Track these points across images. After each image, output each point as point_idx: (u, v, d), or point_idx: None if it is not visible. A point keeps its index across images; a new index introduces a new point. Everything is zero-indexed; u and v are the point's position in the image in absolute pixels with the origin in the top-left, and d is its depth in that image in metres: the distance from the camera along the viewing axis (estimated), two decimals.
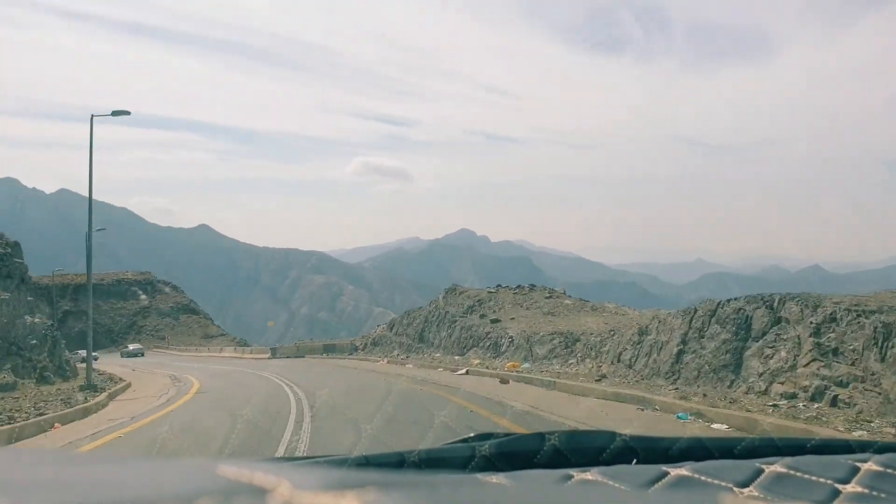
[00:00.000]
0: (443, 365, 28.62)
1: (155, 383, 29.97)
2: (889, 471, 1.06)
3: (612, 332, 22.43)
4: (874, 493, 1.01)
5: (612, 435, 1.30)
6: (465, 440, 1.35)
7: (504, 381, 20.73)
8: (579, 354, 22.82)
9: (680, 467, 1.08)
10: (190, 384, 26.95)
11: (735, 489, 1.03)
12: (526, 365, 24.11)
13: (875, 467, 1.07)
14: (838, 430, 10.36)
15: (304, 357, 49.88)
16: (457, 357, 31.69)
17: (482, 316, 33.65)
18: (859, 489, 1.02)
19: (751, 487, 1.03)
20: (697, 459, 1.17)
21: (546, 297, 34.55)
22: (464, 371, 25.42)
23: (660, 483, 1.05)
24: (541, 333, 26.04)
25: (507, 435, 1.32)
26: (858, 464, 1.08)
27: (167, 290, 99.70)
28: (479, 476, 1.11)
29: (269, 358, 51.30)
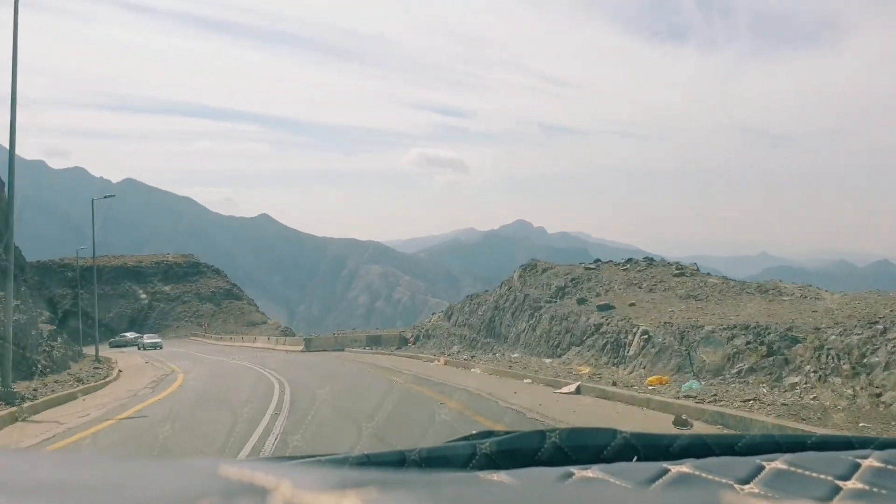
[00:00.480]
0: (529, 372, 18.19)
1: (125, 387, 22.64)
2: (890, 467, 1.04)
3: (878, 328, 11.50)
4: (875, 489, 0.99)
5: (613, 432, 1.26)
6: (466, 438, 1.32)
7: (684, 422, 10.07)
8: (807, 368, 11.94)
9: (681, 464, 1.06)
10: (165, 387, 21.10)
11: (736, 486, 1.01)
12: (692, 385, 13.35)
13: (876, 463, 1.05)
14: None
15: (342, 350, 40.12)
16: (547, 360, 21.11)
17: (581, 301, 22.95)
18: (860, 485, 1.00)
19: (752, 484, 1.02)
20: (698, 456, 1.14)
21: (675, 275, 23.61)
22: (572, 388, 14.88)
23: (661, 480, 1.03)
24: (706, 327, 15.20)
25: (507, 433, 1.29)
26: (859, 460, 1.06)
27: (210, 273, 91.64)
28: (481, 474, 1.09)
29: (301, 351, 41.74)
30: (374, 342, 41.27)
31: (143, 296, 63.50)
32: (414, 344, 38.74)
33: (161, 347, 52.72)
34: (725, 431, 9.84)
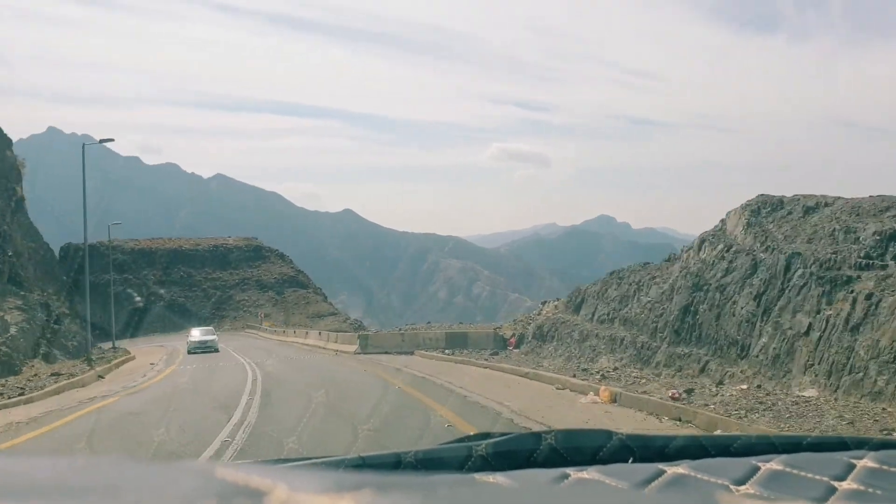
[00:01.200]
0: None
1: None
2: (885, 467, 1.03)
3: None
4: (870, 489, 0.98)
5: (609, 434, 1.25)
6: (461, 440, 1.30)
7: None
8: None
9: (676, 466, 1.06)
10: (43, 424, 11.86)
11: (731, 487, 1.00)
12: None
13: (871, 464, 1.04)
14: None
15: (411, 354, 26.88)
16: None
17: None
18: (855, 486, 0.99)
19: (747, 485, 1.00)
20: (694, 458, 1.14)
21: None
22: None
23: (656, 481, 1.02)
24: None
25: (503, 434, 1.26)
26: (854, 461, 1.05)
27: (273, 258, 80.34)
28: (477, 476, 1.08)
29: (355, 353, 28.72)
30: (458, 342, 27.64)
31: (138, 298, 49.37)
32: (515, 348, 25.03)
33: (214, 349, 33.51)
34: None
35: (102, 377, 24.96)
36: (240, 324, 68.34)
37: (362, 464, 1.19)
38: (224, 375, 20.13)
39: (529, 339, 23.81)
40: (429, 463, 1.19)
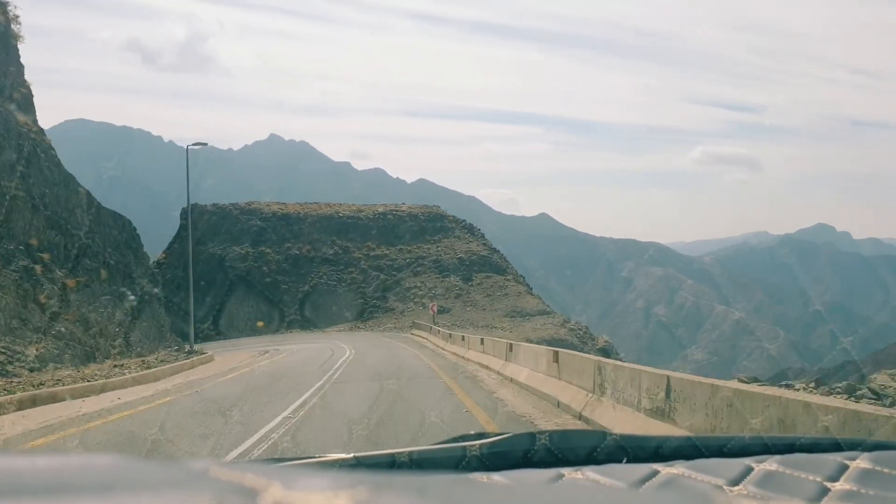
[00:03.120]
0: None
1: None
2: (878, 468, 1.01)
3: None
4: (863, 490, 0.96)
5: (603, 434, 1.22)
6: (456, 440, 1.27)
7: None
8: None
9: (670, 466, 1.04)
10: None
11: (725, 487, 0.98)
12: None
13: (864, 465, 1.02)
14: None
15: None
16: None
17: None
18: (848, 486, 0.96)
19: (741, 485, 0.98)
20: (688, 458, 1.12)
21: None
22: None
23: (651, 481, 1.00)
24: None
25: (498, 434, 1.23)
26: (847, 461, 1.03)
27: (458, 231, 54.79)
28: (471, 476, 1.05)
29: None
30: None
31: (132, 297, 27.46)
32: None
33: None
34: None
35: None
36: (407, 320, 43.34)
37: (357, 464, 1.14)
38: None
39: None
40: (423, 463, 1.14)
